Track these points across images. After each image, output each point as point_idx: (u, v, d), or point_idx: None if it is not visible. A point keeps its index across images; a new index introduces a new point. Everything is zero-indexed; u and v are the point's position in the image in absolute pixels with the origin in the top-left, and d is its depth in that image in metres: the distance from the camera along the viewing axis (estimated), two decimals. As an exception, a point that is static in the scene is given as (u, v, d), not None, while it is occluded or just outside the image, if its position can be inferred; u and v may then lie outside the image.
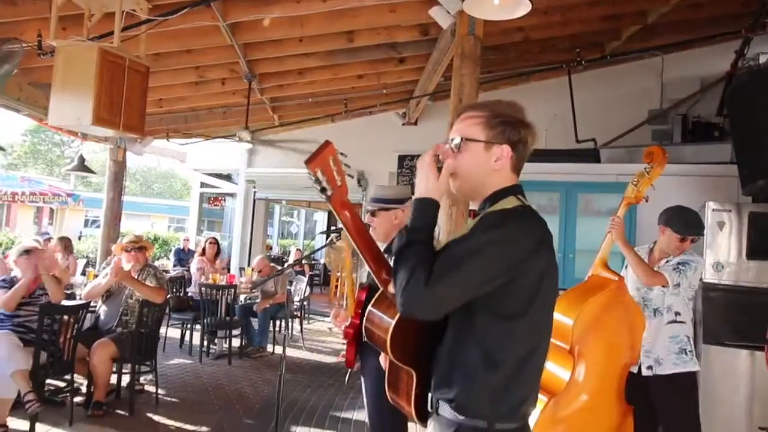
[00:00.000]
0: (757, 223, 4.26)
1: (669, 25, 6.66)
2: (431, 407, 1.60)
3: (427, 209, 1.52)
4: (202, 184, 12.18)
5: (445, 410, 1.54)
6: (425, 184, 1.54)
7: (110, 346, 4.49)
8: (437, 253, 1.47)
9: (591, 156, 6.00)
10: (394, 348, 1.56)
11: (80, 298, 5.09)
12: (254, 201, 11.14)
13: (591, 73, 7.75)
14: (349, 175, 1.54)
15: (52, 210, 26.53)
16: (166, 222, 30.61)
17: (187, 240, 10.90)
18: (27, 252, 4.19)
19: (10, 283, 4.17)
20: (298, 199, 13.08)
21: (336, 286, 12.37)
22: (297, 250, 11.06)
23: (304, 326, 8.44)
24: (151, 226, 23.74)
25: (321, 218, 17.64)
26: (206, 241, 7.88)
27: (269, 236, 13.94)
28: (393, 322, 1.55)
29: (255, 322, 7.18)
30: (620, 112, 7.60)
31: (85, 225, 27.07)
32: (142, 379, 5.24)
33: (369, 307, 1.63)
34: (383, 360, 2.50)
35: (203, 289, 6.41)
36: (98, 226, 27.41)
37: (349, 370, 5.41)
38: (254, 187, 11.04)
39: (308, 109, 9.11)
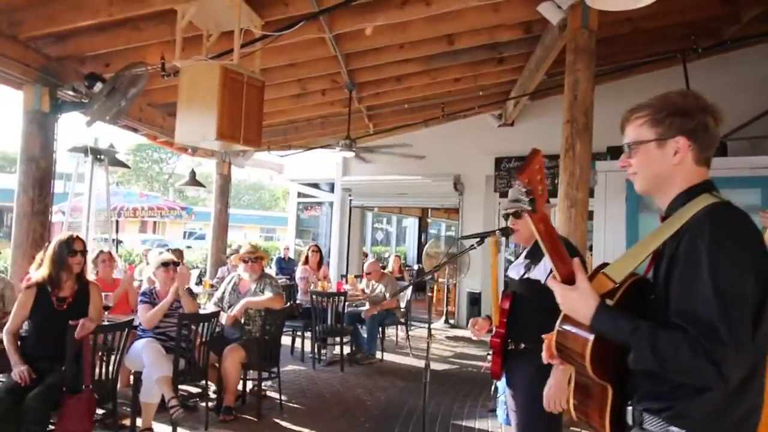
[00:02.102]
0: None
1: (796, 4, 6.16)
2: (632, 421, 1.50)
3: (610, 315, 1.42)
4: (299, 194, 12.49)
5: (654, 424, 1.44)
6: (581, 309, 1.45)
7: (240, 351, 4.67)
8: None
9: (718, 149, 5.59)
10: (593, 363, 1.47)
11: (204, 307, 5.30)
12: (350, 209, 11.30)
13: (701, 62, 7.28)
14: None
15: (155, 223, 28.20)
16: (257, 232, 31.73)
17: (288, 249, 11.19)
18: (165, 265, 4.42)
19: (150, 296, 4.41)
20: (390, 205, 13.15)
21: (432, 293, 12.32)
22: (396, 256, 11.11)
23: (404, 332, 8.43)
24: (244, 236, 24.65)
25: (412, 224, 17.65)
26: (309, 249, 8.02)
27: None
28: (591, 337, 1.46)
29: (362, 330, 7.24)
30: (739, 101, 7.07)
31: (184, 237, 28.55)
32: (263, 385, 5.39)
33: (559, 324, 1.55)
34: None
35: (314, 296, 6.53)
36: (197, 238, 28.59)
37: (495, 382, 5.32)
38: (350, 195, 11.20)
39: (403, 115, 9.14)
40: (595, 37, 4.94)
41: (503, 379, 4.99)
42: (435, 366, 7.06)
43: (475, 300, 9.93)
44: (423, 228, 16.63)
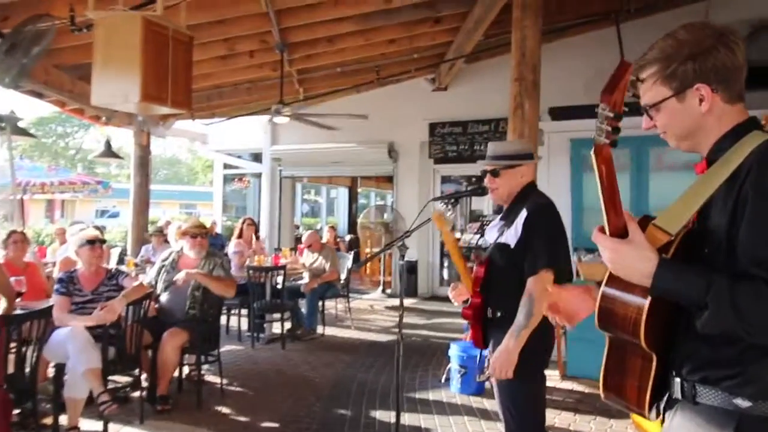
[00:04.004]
0: None
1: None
2: (682, 395, 1.32)
3: (676, 271, 1.21)
4: (225, 166, 11.86)
5: (712, 397, 1.26)
6: (639, 266, 1.22)
7: (182, 334, 4.22)
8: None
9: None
10: (647, 332, 1.27)
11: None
12: (280, 179, 10.84)
13: (635, 23, 7.37)
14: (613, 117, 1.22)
15: (63, 202, 26.28)
16: (177, 208, 30.32)
17: (215, 224, 10.61)
18: (90, 243, 3.89)
19: (68, 283, 3.87)
20: (323, 175, 12.75)
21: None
22: (330, 227, 10.80)
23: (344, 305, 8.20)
24: (162, 213, 23.43)
25: (342, 194, 17.29)
26: (243, 223, 7.58)
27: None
28: (647, 302, 1.25)
29: (302, 304, 6.94)
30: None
31: (96, 215, 26.82)
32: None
33: (603, 288, 1.33)
34: None
35: (250, 272, 6.15)
36: (110, 216, 26.94)
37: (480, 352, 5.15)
38: (280, 165, 10.73)
39: (334, 80, 8.78)
40: (543, -8, 4.80)
41: (453, 349, 4.90)
42: (379, 337, 6.90)
43: (411, 269, 9.81)
44: (353, 198, 16.35)
